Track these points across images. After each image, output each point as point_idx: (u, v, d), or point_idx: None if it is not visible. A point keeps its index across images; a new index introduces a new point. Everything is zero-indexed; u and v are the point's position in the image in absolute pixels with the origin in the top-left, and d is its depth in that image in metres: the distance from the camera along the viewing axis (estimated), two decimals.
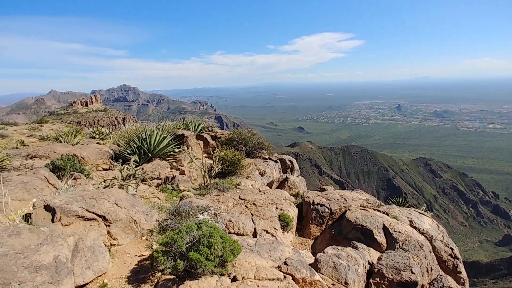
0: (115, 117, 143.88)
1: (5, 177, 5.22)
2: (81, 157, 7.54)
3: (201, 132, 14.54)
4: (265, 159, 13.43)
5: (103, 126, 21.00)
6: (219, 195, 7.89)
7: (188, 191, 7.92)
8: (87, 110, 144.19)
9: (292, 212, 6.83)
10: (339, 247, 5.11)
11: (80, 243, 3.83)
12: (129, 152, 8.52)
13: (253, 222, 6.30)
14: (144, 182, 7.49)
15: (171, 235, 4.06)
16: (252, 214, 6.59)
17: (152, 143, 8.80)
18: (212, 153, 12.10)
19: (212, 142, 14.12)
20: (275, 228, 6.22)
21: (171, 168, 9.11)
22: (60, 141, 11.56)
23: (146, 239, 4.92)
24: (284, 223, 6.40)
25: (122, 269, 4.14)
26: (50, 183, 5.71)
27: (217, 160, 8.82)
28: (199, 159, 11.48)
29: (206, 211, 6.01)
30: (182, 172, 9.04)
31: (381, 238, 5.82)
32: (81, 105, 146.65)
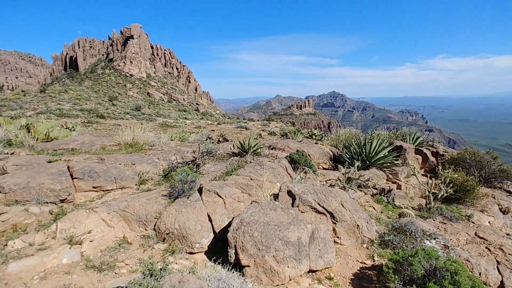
0: (322, 121, 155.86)
1: (261, 161, 6.72)
2: (308, 154, 8.56)
3: (420, 146, 12.91)
4: (510, 192, 10.16)
5: (315, 128, 23.12)
6: (445, 223, 6.70)
7: (405, 208, 7.23)
8: (300, 113, 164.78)
9: None
10: None
11: (316, 232, 4.27)
12: (348, 156, 8.81)
13: (500, 273, 4.86)
14: (359, 189, 7.51)
15: (402, 254, 3.76)
16: (497, 262, 5.11)
17: (371, 151, 8.68)
18: (435, 171, 10.48)
19: (432, 159, 12.24)
20: None
21: (387, 180, 8.64)
22: (288, 137, 13.69)
23: (367, 248, 4.86)
24: None
25: (345, 269, 4.27)
26: (288, 172, 6.82)
27: (446, 181, 7.51)
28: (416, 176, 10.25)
29: (434, 239, 5.22)
30: (398, 187, 8.37)
31: None
32: (297, 108, 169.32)
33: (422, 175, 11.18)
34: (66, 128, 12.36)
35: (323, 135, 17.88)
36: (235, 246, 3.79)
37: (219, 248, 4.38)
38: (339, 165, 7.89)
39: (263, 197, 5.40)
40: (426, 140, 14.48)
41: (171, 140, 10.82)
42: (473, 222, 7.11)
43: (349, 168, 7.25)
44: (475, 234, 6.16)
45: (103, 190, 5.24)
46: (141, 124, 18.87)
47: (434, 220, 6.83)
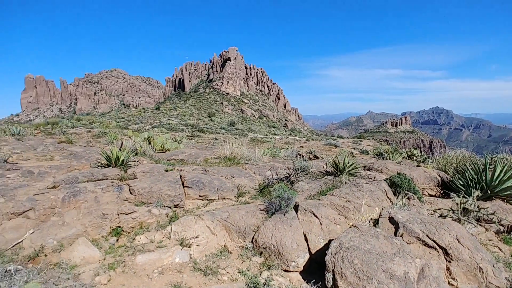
0: (422, 140, 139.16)
1: (357, 183, 6.38)
2: (410, 178, 7.71)
3: None
4: None
5: (415, 148, 20.74)
6: None
7: None
8: (396, 131, 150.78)
9: None
10: None
11: (426, 269, 3.76)
12: (462, 183, 7.58)
13: None
14: (479, 223, 6.33)
15: None
16: None
17: (493, 178, 7.27)
18: None
19: None
20: None
21: None
22: (384, 158, 12.66)
23: None
24: None
25: None
26: (388, 197, 6.27)
27: None
28: None
29: None
30: None
31: None
32: (391, 125, 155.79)
33: None
34: (175, 141, 14.23)
35: (426, 156, 15.94)
36: (333, 271, 3.64)
37: (314, 270, 4.28)
38: (451, 193, 6.86)
39: (361, 222, 5.08)
40: None
41: (264, 155, 11.27)
42: None
43: (465, 197, 6.22)
44: None
45: (207, 199, 5.78)
46: (235, 138, 20.26)
47: None
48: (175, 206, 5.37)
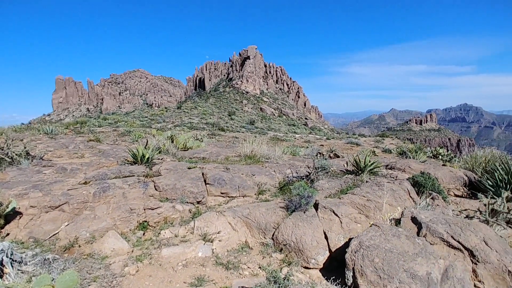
0: (448, 138, 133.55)
1: (379, 182, 6.30)
2: (435, 178, 7.50)
3: None
4: None
5: (441, 147, 20.01)
6: None
7: None
8: (420, 129, 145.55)
9: None
10: None
11: (450, 270, 3.69)
12: (490, 183, 7.28)
13: None
14: (509, 225, 6.08)
15: None
16: None
17: None
18: None
19: None
20: None
21: None
22: (408, 157, 12.35)
23: None
24: None
25: None
26: (410, 196, 6.15)
27: None
28: None
29: None
30: None
31: None
32: (416, 123, 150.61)
33: None
34: (197, 139, 14.53)
35: (453, 155, 15.36)
36: (353, 269, 3.66)
37: (334, 268, 4.30)
38: (478, 194, 6.62)
39: (382, 221, 5.03)
40: None
41: (284, 153, 11.31)
42: None
43: (494, 198, 5.99)
44: None
45: (228, 196, 5.93)
46: (255, 137, 20.36)
47: None
48: (198, 202, 5.54)
